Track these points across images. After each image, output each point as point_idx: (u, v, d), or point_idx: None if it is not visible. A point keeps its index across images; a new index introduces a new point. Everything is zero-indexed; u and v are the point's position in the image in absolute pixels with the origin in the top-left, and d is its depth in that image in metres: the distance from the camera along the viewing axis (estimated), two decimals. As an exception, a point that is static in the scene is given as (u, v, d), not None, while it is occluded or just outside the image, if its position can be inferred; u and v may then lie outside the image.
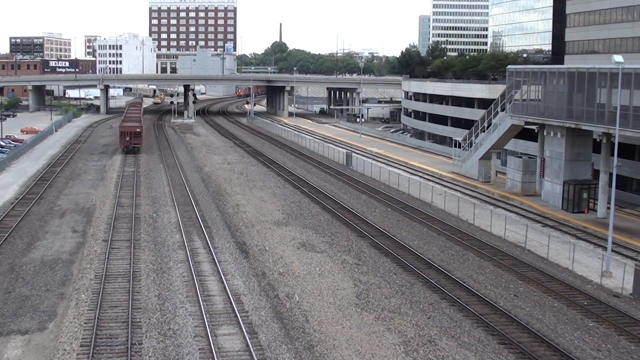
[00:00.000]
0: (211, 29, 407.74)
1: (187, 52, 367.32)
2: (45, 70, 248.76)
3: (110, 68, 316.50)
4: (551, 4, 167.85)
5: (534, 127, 70.52)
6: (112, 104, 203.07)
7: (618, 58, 45.82)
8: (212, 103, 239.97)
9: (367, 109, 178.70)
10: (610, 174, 53.99)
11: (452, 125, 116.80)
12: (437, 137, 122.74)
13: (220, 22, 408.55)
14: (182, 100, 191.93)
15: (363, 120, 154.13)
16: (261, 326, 34.93)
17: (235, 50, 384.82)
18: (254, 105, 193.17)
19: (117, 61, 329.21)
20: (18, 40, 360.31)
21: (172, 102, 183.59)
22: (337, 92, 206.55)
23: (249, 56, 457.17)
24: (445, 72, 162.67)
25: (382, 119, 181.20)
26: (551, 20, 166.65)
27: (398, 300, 38.63)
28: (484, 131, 79.32)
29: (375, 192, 71.14)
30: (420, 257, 47.32)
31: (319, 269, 43.81)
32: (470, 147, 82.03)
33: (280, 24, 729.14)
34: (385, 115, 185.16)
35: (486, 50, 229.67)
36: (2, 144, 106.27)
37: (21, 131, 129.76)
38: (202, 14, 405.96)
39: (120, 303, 37.69)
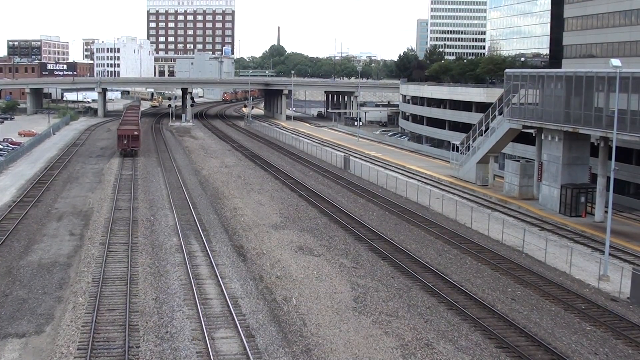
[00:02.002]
0: (209, 32, 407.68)
1: (185, 55, 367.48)
2: (43, 73, 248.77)
3: (108, 71, 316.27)
4: (549, 8, 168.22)
5: (531, 130, 70.58)
6: (110, 107, 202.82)
7: (616, 62, 45.90)
8: (210, 106, 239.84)
9: (365, 112, 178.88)
10: (608, 178, 54.09)
11: (449, 129, 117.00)
12: (434, 141, 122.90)
13: (218, 25, 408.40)
14: (179, 103, 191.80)
15: (361, 123, 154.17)
16: (258, 329, 34.90)
17: (233, 53, 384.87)
18: (252, 108, 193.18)
19: (114, 64, 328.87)
20: (16, 43, 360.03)
21: (169, 105, 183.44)
22: (335, 96, 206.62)
23: (247, 59, 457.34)
24: (443, 76, 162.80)
25: (380, 123, 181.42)
26: (549, 24, 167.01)
27: (395, 303, 38.63)
28: (482, 135, 79.39)
29: (373, 196, 71.16)
30: (417, 260, 47.33)
31: (316, 272, 43.82)
32: (468, 150, 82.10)
33: (278, 28, 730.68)
34: (383, 118, 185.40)
35: (484, 54, 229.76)
36: (0, 146, 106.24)
37: (19, 134, 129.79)
38: (200, 17, 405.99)
39: (117, 306, 37.66)
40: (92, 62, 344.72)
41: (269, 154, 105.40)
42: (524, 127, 70.13)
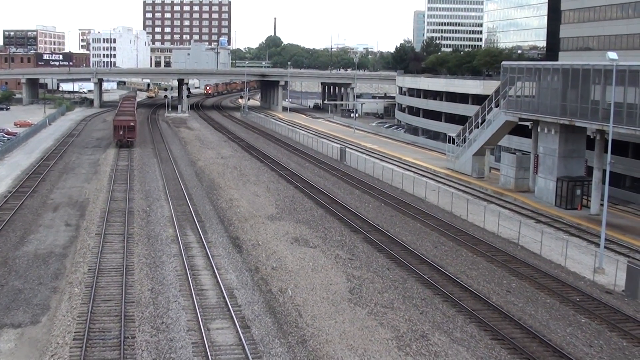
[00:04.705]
0: (205, 22, 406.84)
1: (181, 46, 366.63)
2: (39, 63, 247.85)
3: (104, 62, 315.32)
4: (546, 0, 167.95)
5: (527, 123, 70.60)
6: (106, 97, 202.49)
7: (612, 55, 45.87)
8: (206, 97, 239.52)
9: (361, 104, 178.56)
10: (604, 171, 54.13)
11: (446, 121, 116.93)
12: (431, 133, 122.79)
13: (215, 16, 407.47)
14: (176, 94, 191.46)
15: (357, 115, 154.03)
16: (254, 320, 34.96)
17: (229, 44, 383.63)
18: (248, 99, 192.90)
19: (111, 55, 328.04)
20: (12, 33, 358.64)
21: (166, 96, 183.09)
22: (332, 87, 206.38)
23: (243, 50, 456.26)
24: (440, 68, 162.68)
25: (376, 115, 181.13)
26: (546, 17, 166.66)
27: (391, 295, 38.69)
28: (478, 127, 79.41)
29: (369, 188, 71.17)
30: (413, 252, 47.39)
31: (312, 263, 43.84)
32: (464, 143, 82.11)
33: (275, 19, 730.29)
34: (379, 110, 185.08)
35: (481, 46, 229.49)
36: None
37: (14, 124, 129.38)
38: (196, 8, 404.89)
39: (113, 297, 37.66)
40: (88, 52, 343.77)
41: (265, 146, 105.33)
42: (521, 119, 70.18)
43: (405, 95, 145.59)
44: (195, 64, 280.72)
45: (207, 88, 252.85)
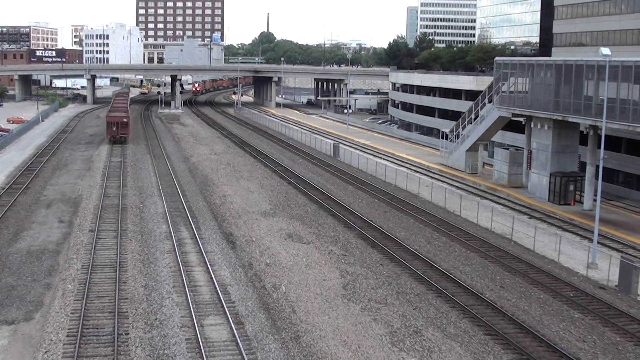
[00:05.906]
0: (198, 18, 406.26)
1: (175, 42, 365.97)
2: (32, 59, 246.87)
3: (97, 58, 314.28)
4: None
5: (521, 119, 70.69)
6: (99, 94, 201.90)
7: (605, 51, 45.98)
8: (194, 95, 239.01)
9: (355, 100, 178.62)
10: (597, 166, 54.25)
11: (439, 117, 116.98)
12: (424, 129, 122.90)
13: (208, 12, 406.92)
14: (169, 90, 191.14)
15: (350, 111, 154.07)
16: (248, 317, 34.93)
17: (222, 40, 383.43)
18: (241, 95, 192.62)
19: (104, 51, 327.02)
20: (4, 30, 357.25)
21: (159, 93, 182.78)
22: (325, 83, 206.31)
23: (237, 46, 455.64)
24: (433, 64, 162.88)
25: (370, 110, 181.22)
26: (539, 13, 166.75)
27: (384, 291, 38.71)
28: (471, 123, 79.49)
29: (362, 183, 71.19)
30: (406, 248, 47.42)
31: (305, 259, 43.84)
32: (458, 138, 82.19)
33: (268, 14, 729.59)
34: (372, 106, 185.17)
35: (474, 42, 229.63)
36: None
37: (7, 121, 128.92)
38: (189, 4, 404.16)
39: (106, 293, 37.59)
40: (81, 48, 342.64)
41: (258, 142, 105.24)
42: (514, 115, 70.27)
43: (398, 91, 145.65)
44: (188, 60, 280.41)
45: (196, 85, 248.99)
